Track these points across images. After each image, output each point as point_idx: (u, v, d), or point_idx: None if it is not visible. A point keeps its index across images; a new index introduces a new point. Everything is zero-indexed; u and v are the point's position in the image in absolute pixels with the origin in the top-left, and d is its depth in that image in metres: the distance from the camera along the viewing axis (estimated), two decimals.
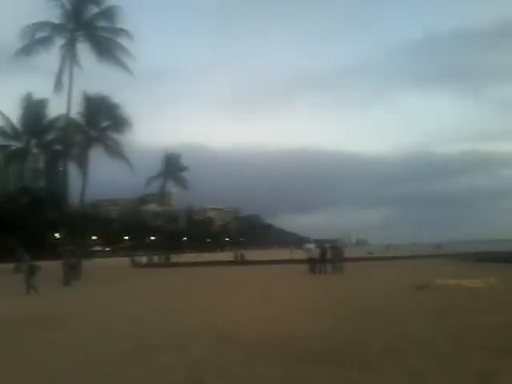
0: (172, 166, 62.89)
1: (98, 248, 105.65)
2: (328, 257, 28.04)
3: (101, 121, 39.11)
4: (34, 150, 49.00)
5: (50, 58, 32.57)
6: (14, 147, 47.45)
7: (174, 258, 61.57)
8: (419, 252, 54.59)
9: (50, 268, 27.87)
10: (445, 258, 41.65)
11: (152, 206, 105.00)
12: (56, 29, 32.04)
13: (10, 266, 42.91)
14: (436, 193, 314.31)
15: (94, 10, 31.72)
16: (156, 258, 59.93)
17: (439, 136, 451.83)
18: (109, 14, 31.04)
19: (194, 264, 47.83)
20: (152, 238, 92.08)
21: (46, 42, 31.73)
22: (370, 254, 60.30)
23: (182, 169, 63.66)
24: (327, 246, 31.87)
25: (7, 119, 46.67)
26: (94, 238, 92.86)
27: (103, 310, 13.85)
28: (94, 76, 39.67)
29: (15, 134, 46.70)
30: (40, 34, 31.76)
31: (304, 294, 16.56)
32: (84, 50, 32.28)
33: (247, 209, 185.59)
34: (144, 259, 58.48)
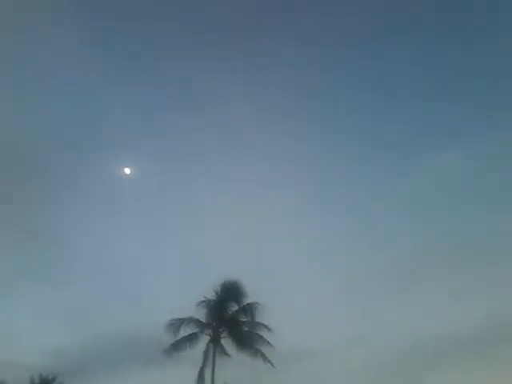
0: None
1: None
2: None
3: None
4: None
5: (195, 350, 35.02)
6: None
7: None
8: None
9: None
10: None
11: None
12: (202, 326, 35.45)
13: None
14: None
15: (234, 307, 35.36)
16: None
17: None
18: (248, 310, 34.42)
19: None
20: None
21: (192, 338, 34.89)
22: None
23: None
24: None
25: None
26: None
27: None
28: (235, 366, 41.22)
29: None
30: (187, 330, 35.16)
31: None
32: (226, 343, 34.95)
33: None
34: None
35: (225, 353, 34.42)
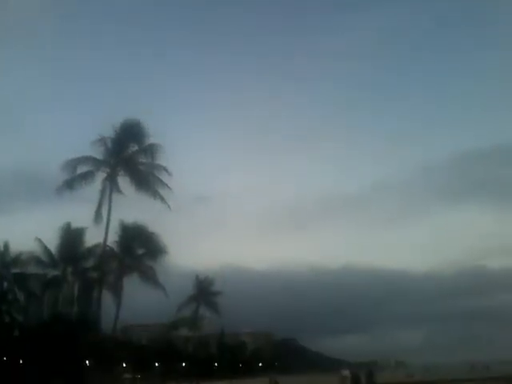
0: (204, 291, 62.91)
1: (128, 375, 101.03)
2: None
3: (136, 249, 40.20)
4: (70, 278, 49.58)
5: (91, 188, 34.82)
6: (50, 276, 48.16)
7: None
8: (468, 374, 51.68)
9: None
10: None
11: (184, 331, 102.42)
12: (98, 164, 34.57)
13: None
14: (483, 309, 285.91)
15: (134, 147, 34.44)
16: None
17: (488, 250, 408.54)
18: (149, 150, 33.66)
19: None
20: (183, 364, 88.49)
21: (88, 176, 34.13)
22: (410, 376, 57.39)
23: (215, 294, 63.53)
24: (361, 371, 31.63)
25: (45, 248, 48.03)
26: (124, 364, 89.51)
27: None
28: (132, 205, 41.64)
29: (52, 263, 47.65)
30: (82, 168, 34.35)
31: None
32: (124, 183, 34.75)
33: (284, 332, 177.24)
34: None
35: (121, 192, 34.11)
